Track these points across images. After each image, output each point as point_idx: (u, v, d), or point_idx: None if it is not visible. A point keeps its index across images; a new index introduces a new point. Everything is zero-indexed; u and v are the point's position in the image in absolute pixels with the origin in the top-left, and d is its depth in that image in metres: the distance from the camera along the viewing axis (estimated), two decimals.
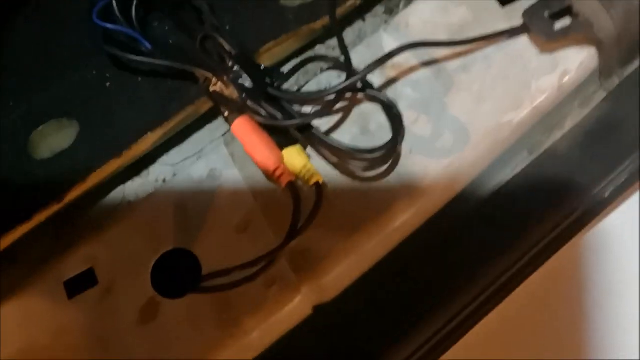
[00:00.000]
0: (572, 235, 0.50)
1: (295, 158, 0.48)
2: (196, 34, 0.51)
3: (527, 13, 0.51)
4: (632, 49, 0.51)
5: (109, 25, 0.50)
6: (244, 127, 0.48)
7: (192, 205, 0.51)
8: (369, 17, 0.57)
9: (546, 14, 0.50)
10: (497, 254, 0.49)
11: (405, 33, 0.54)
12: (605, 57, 0.50)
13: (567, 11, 0.50)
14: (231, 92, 0.49)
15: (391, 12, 0.56)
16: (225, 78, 0.49)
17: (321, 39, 0.56)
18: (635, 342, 0.52)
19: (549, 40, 0.50)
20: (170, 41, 0.52)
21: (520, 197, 0.51)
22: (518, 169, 0.51)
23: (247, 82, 0.49)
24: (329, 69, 0.54)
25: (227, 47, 0.50)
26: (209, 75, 0.50)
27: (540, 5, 0.51)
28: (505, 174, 0.51)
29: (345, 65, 0.49)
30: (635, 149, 0.50)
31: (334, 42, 0.56)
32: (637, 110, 0.51)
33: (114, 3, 0.49)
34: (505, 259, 0.49)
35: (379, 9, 0.57)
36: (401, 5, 0.56)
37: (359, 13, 0.57)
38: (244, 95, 0.48)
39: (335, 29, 0.52)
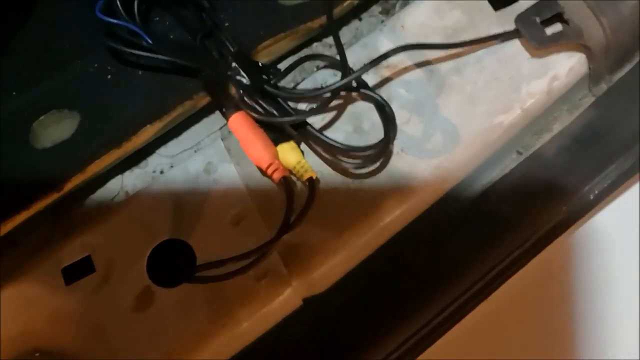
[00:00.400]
0: (557, 235, 0.51)
1: (289, 154, 0.49)
2: (196, 30, 0.52)
3: (519, 18, 0.52)
4: (620, 56, 0.52)
5: (111, 20, 0.51)
6: (240, 123, 0.49)
7: (188, 198, 0.52)
8: (365, 16, 0.58)
9: (538, 19, 0.52)
10: (483, 251, 0.50)
11: (401, 34, 0.55)
12: (595, 64, 0.52)
13: (558, 17, 0.52)
14: (229, 88, 0.50)
15: (387, 12, 0.58)
16: (223, 74, 0.50)
17: (318, 37, 0.57)
18: (617, 337, 0.53)
19: (540, 46, 0.51)
20: (171, 37, 0.54)
21: (508, 197, 0.52)
22: (507, 170, 0.53)
23: (244, 78, 0.50)
24: (325, 67, 0.55)
25: (226, 44, 0.51)
26: (208, 70, 0.51)
27: (532, 11, 0.52)
28: (495, 175, 0.53)
29: (341, 65, 0.51)
30: (621, 153, 0.51)
31: (330, 40, 0.57)
32: (624, 116, 0.53)
33: (117, 4, 0.50)
34: (492, 257, 0.50)
35: (376, 9, 0.58)
36: (397, 7, 0.57)
37: (356, 13, 0.58)
38: (241, 91, 0.50)
39: (332, 28, 0.53)
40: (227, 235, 0.51)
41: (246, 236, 0.50)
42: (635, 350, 0.53)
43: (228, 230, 0.51)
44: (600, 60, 0.52)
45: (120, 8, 0.51)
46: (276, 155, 0.48)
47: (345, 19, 0.58)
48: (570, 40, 0.51)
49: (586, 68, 0.52)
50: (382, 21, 0.57)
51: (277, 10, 0.55)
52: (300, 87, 0.54)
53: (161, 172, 0.54)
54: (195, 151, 0.55)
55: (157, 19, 0.54)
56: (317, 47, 0.57)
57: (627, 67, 0.53)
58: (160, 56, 0.51)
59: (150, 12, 0.54)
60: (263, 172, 0.50)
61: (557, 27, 0.52)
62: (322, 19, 0.54)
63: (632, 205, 0.54)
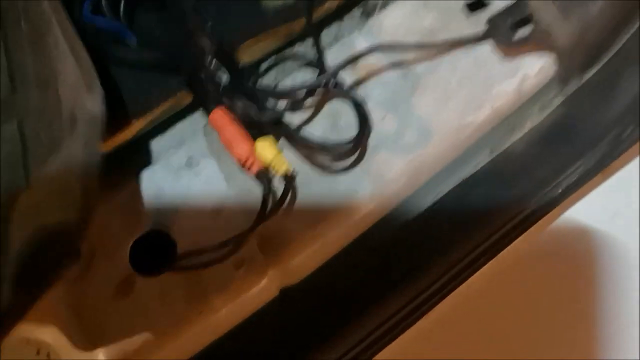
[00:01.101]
0: (527, 227, 0.53)
1: (266, 149, 0.51)
2: (180, 29, 0.54)
3: (491, 21, 0.54)
4: (588, 57, 0.54)
5: (98, 21, 0.53)
6: (220, 119, 0.51)
7: (171, 190, 0.54)
8: (346, 19, 0.60)
9: (508, 22, 0.54)
10: (453, 244, 0.52)
11: (379, 35, 0.57)
12: (563, 64, 0.54)
13: (528, 20, 0.53)
14: (210, 86, 0.52)
15: (368, 15, 0.60)
16: (205, 72, 0.52)
17: (300, 37, 0.59)
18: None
19: (511, 47, 0.54)
20: (155, 35, 0.56)
21: (480, 192, 0.54)
22: (479, 166, 0.54)
23: (224, 76, 0.52)
24: (304, 66, 0.57)
25: (207, 43, 0.53)
26: (190, 68, 0.53)
27: (503, 14, 0.54)
28: (467, 171, 0.54)
29: (318, 64, 0.53)
30: (589, 150, 0.53)
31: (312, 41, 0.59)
32: (592, 114, 0.54)
33: (103, 5, 0.53)
34: (461, 249, 0.52)
35: (356, 12, 0.60)
36: (377, 9, 0.59)
37: (337, 15, 0.60)
38: (221, 88, 0.52)
39: (312, 30, 0.55)
40: (207, 225, 0.52)
41: (225, 227, 0.52)
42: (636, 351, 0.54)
43: (208, 221, 0.53)
44: (570, 61, 0.54)
45: (106, 9, 0.53)
46: (254, 150, 0.50)
47: (327, 21, 0.60)
48: (540, 41, 0.53)
49: (555, 68, 0.54)
50: (362, 23, 0.59)
51: (259, 11, 0.57)
52: (280, 85, 0.56)
53: (146, 166, 0.56)
54: (179, 146, 0.56)
55: (143, 19, 0.56)
56: (299, 48, 0.59)
57: (596, 67, 0.55)
58: (145, 55, 0.53)
59: (135, 11, 0.56)
60: (242, 166, 0.52)
61: (527, 29, 0.54)
62: (304, 21, 0.56)
63: (602, 201, 0.55)
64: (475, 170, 0.54)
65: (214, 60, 0.52)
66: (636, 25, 0.53)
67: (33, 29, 0.46)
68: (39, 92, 0.44)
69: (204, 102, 0.52)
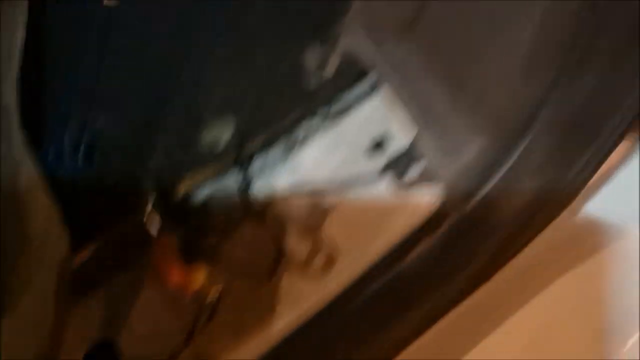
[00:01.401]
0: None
1: (197, 275, 0.61)
2: (128, 171, 0.64)
3: (389, 161, 0.65)
4: (469, 191, 0.65)
5: (58, 170, 0.62)
6: (158, 249, 0.61)
7: (120, 307, 0.64)
8: (271, 152, 0.71)
9: (403, 163, 0.65)
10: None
11: (298, 168, 0.68)
12: (448, 198, 0.65)
13: (419, 160, 0.65)
14: (151, 218, 0.63)
15: (289, 151, 0.71)
16: (148, 207, 0.63)
17: (233, 167, 0.70)
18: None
19: (405, 183, 0.64)
20: (109, 176, 0.66)
21: (378, 307, 0.64)
22: (377, 286, 0.64)
23: (164, 210, 0.63)
24: (233, 197, 0.67)
25: (150, 181, 0.64)
26: (136, 204, 0.63)
27: (399, 155, 0.65)
28: (370, 290, 0.65)
29: (245, 195, 0.63)
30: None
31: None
32: (471, 243, 0.65)
33: (65, 151, 0.63)
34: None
35: (280, 148, 0.71)
36: (297, 146, 0.70)
37: (264, 149, 0.71)
38: (160, 220, 0.62)
39: (241, 167, 0.66)
40: (149, 339, 0.62)
41: (163, 340, 0.62)
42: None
43: (149, 335, 0.62)
44: (452, 195, 0.64)
45: (68, 153, 0.63)
46: (186, 277, 0.61)
47: (255, 154, 0.71)
48: (429, 179, 0.64)
49: (442, 200, 0.65)
50: (284, 157, 0.70)
51: (198, 150, 0.67)
52: (212, 214, 0.67)
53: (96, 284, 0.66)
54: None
55: (98, 160, 0.66)
56: (231, 176, 0.70)
57: (477, 198, 0.66)
58: (99, 194, 0.63)
59: (91, 154, 0.66)
60: (176, 290, 0.62)
61: (418, 167, 0.65)
62: (234, 156, 0.67)
63: None
64: (375, 289, 0.65)
65: (155, 196, 0.62)
66: (509, 164, 0.64)
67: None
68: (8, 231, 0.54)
69: (144, 233, 0.62)
